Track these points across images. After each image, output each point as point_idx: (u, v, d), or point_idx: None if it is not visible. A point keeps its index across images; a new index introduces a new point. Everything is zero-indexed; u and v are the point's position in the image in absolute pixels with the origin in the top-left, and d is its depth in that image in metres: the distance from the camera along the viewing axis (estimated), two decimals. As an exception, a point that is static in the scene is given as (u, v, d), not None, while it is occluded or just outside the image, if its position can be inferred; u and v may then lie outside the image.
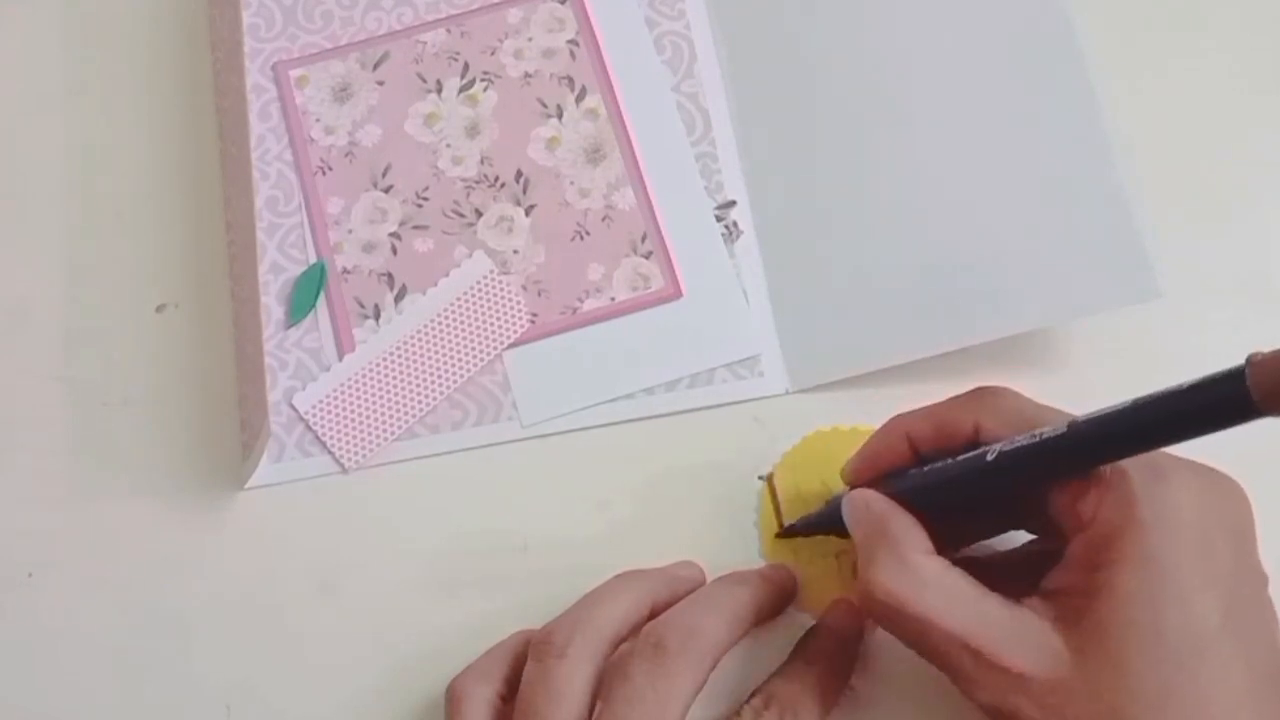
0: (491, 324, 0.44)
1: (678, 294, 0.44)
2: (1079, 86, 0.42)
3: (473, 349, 0.44)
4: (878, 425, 0.37)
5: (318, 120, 0.47)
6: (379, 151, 0.46)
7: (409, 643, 0.40)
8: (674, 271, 0.44)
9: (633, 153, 0.46)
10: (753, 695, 0.36)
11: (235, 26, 0.48)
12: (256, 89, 0.47)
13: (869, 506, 0.34)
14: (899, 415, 0.36)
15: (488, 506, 0.42)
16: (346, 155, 0.46)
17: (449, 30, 0.48)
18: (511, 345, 0.44)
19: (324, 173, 0.46)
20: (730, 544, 0.40)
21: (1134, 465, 0.31)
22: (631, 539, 0.41)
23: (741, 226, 0.45)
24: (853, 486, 0.37)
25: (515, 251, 0.45)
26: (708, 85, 0.47)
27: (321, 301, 0.44)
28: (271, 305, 0.44)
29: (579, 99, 0.47)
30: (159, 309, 0.46)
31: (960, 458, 0.33)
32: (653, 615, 0.36)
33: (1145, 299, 0.39)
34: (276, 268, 0.45)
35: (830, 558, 0.39)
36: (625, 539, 0.41)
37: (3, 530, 0.43)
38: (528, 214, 0.45)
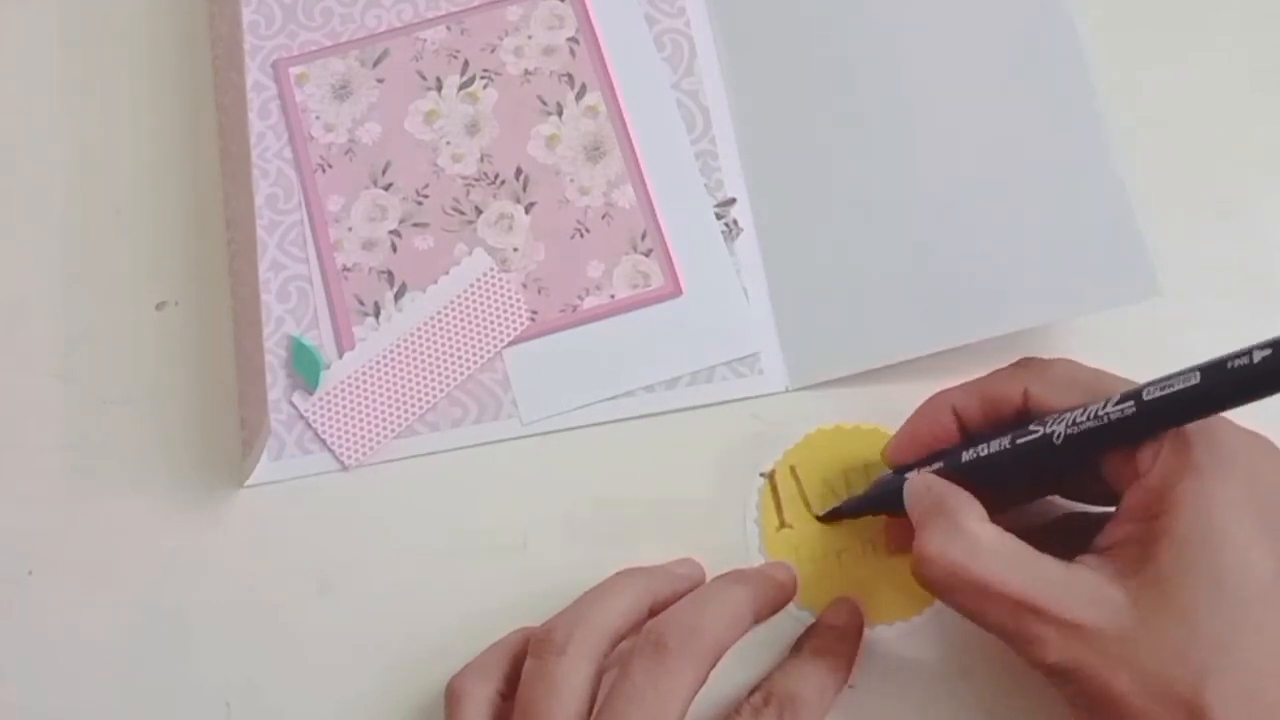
0: (491, 322, 0.44)
1: (677, 292, 0.44)
2: (1080, 85, 0.42)
3: (472, 347, 0.43)
4: (878, 423, 0.37)
5: (318, 118, 0.47)
6: (379, 149, 0.46)
7: (409, 640, 0.40)
8: (674, 269, 0.44)
9: (633, 150, 0.46)
10: (752, 692, 0.36)
11: (235, 24, 0.48)
12: (256, 86, 0.47)
13: (930, 488, 0.35)
14: (941, 392, 0.36)
15: (487, 504, 0.42)
16: (346, 153, 0.46)
17: (449, 28, 0.48)
18: (511, 343, 0.44)
19: (324, 170, 0.46)
20: (731, 542, 0.40)
21: None
22: (631, 536, 0.41)
23: (741, 224, 0.45)
24: (894, 467, 0.37)
25: (515, 249, 0.45)
26: (708, 83, 0.47)
27: (321, 299, 0.44)
28: (271, 303, 0.44)
29: (579, 96, 0.47)
30: (159, 307, 0.46)
31: (1021, 440, 0.33)
32: (653, 613, 0.36)
33: (1145, 298, 0.39)
34: (276, 265, 0.45)
35: (831, 555, 0.39)
36: (625, 536, 0.41)
37: (2, 528, 0.43)
38: (527, 211, 0.45)
